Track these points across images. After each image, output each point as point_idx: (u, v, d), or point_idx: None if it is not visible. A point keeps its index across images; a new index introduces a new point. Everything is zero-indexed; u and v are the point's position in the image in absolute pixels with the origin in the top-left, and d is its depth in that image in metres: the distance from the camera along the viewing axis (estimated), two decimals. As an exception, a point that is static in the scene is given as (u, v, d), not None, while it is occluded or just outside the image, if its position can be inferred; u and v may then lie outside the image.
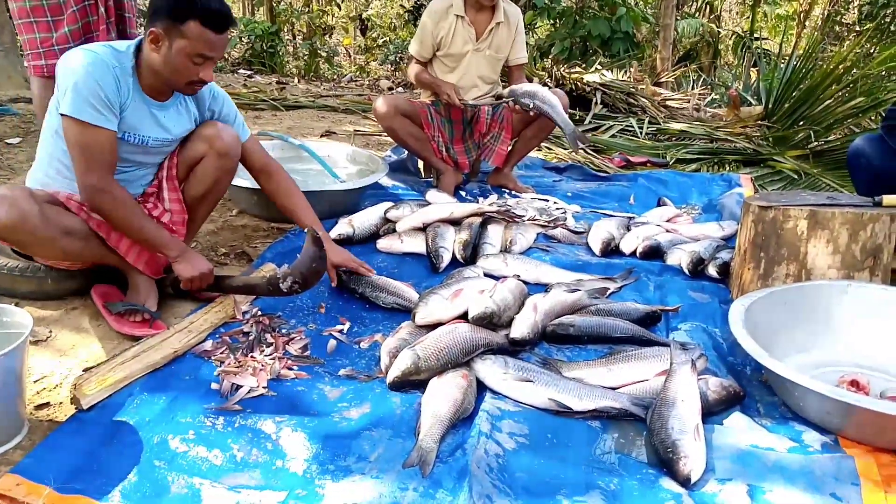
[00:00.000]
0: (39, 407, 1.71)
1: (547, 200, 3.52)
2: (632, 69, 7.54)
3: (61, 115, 1.90)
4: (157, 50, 1.94)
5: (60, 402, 1.73)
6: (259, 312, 2.18)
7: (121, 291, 2.20)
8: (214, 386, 1.79)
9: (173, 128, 2.14)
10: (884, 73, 5.95)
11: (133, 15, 2.81)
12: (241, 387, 1.78)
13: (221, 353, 1.93)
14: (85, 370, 1.79)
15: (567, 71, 6.14)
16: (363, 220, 2.91)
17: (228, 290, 2.19)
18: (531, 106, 3.34)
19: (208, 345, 1.98)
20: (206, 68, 1.97)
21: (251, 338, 2.01)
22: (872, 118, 5.15)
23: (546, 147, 4.87)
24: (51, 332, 2.05)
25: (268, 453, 1.56)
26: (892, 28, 9.65)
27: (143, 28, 2.17)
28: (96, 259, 2.12)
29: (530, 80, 5.62)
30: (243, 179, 2.76)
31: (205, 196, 2.26)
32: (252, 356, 1.91)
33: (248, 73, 8.43)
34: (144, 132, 2.06)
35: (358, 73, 10.44)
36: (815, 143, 4.89)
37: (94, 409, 1.68)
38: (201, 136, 2.18)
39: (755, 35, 11.85)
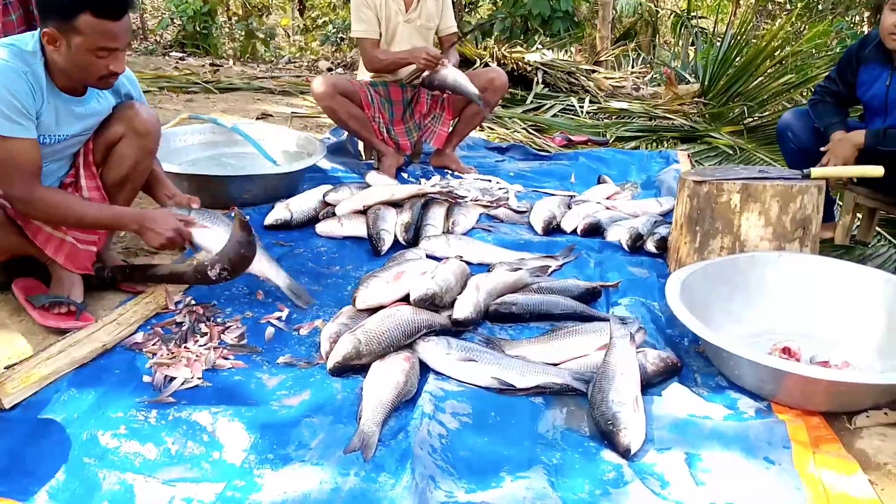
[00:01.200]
0: (-43, 408, 1.62)
1: (489, 181, 3.51)
2: (573, 48, 7.59)
3: None
4: (58, 50, 1.79)
5: (-19, 403, 1.64)
6: (192, 302, 2.11)
7: (44, 284, 2.10)
8: (147, 379, 1.73)
9: (95, 119, 2.03)
10: (813, 50, 6.16)
11: None
12: (175, 378, 1.72)
13: (153, 345, 1.86)
14: (7, 367, 1.70)
15: (508, 50, 6.14)
16: (301, 204, 2.84)
17: (155, 279, 2.12)
18: (445, 89, 3.41)
19: (139, 337, 1.91)
20: (114, 59, 1.83)
21: (184, 328, 1.94)
22: (803, 94, 5.32)
23: (488, 127, 4.86)
24: (-31, 329, 1.94)
25: (204, 445, 1.51)
26: (820, 7, 9.97)
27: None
28: (14, 249, 2.00)
29: (472, 62, 5.65)
30: (172, 165, 2.67)
31: (125, 180, 2.14)
32: (186, 347, 1.85)
33: (181, 55, 8.13)
34: (63, 131, 1.95)
35: (297, 54, 10.20)
36: (749, 119, 5.03)
37: (18, 407, 1.61)
38: (118, 117, 2.07)
39: (693, 14, 12.05)
